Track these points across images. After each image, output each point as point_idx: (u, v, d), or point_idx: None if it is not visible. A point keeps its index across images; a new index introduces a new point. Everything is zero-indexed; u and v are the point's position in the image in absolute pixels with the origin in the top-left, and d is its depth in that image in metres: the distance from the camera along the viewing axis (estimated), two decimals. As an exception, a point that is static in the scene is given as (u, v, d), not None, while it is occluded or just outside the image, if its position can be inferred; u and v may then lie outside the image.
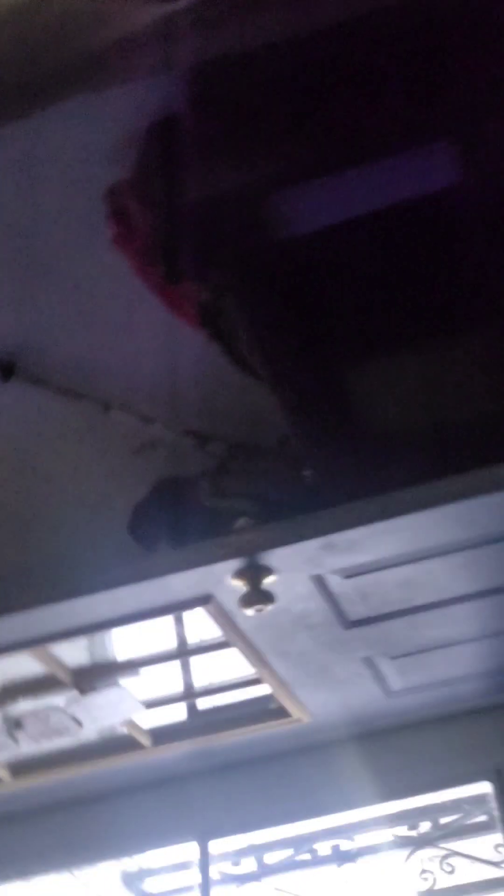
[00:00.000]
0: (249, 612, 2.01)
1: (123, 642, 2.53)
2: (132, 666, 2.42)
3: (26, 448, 2.37)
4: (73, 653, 2.38)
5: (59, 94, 1.86)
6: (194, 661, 2.51)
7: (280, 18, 1.73)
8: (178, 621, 2.42)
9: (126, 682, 2.43)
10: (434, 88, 1.76)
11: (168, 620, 2.39)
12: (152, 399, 2.31)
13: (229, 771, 2.62)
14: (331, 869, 3.05)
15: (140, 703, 2.43)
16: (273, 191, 1.88)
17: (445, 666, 2.38)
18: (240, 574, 1.98)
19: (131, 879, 3.04)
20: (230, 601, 2.03)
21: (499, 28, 1.73)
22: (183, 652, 2.44)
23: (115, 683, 2.41)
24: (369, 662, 2.32)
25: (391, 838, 3.39)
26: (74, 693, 2.39)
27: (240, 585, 1.99)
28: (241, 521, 2.14)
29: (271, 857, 3.15)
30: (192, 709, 2.59)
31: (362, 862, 3.31)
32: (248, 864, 2.98)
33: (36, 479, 2.39)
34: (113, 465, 2.38)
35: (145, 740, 2.56)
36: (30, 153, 1.87)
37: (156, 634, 2.44)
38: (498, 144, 1.79)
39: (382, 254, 1.91)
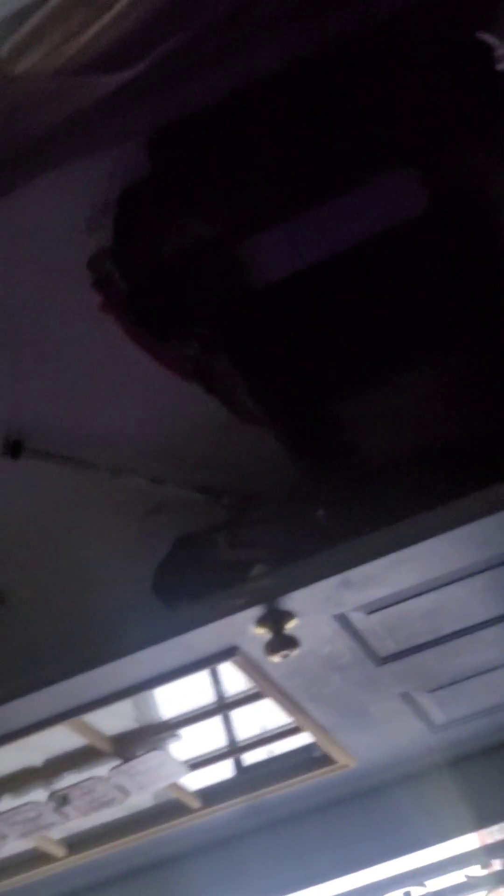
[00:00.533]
0: (276, 659, 1.99)
1: (162, 705, 2.52)
2: (172, 728, 2.40)
3: (42, 522, 2.39)
4: (112, 721, 2.37)
5: (28, 171, 1.91)
6: (236, 715, 2.49)
7: (233, 70, 1.77)
8: (214, 676, 2.40)
9: (168, 744, 2.41)
10: (394, 116, 1.78)
11: (204, 677, 2.37)
12: (160, 459, 2.33)
13: (282, 826, 2.57)
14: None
15: (184, 764, 2.40)
16: (246, 239, 1.92)
17: (486, 693, 2.33)
18: (261, 622, 1.97)
19: None
20: (256, 651, 2.02)
21: (455, 50, 1.75)
22: (221, 707, 2.41)
23: (157, 747, 2.39)
24: (407, 698, 2.28)
25: (464, 879, 3.29)
26: (117, 762, 2.37)
27: (263, 633, 1.98)
28: (257, 569, 2.14)
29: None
30: (238, 765, 2.56)
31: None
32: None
33: (54, 552, 2.40)
34: (130, 529, 2.40)
35: (194, 803, 2.53)
36: (5, 234, 1.92)
37: (194, 693, 2.42)
38: (459, 168, 1.80)
39: (363, 284, 1.93)
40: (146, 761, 2.38)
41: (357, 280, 1.85)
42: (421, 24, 1.72)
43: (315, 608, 1.96)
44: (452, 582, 1.98)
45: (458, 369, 1.88)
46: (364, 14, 1.70)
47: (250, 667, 2.07)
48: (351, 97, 1.72)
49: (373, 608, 2.00)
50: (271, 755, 2.52)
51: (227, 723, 2.49)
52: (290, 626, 1.97)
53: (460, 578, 1.97)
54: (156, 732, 2.41)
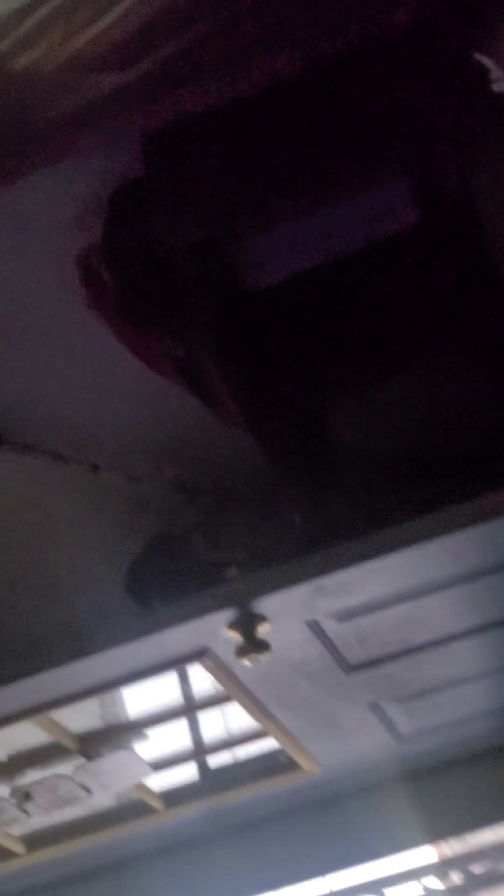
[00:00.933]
0: (246, 662, 1.99)
1: (129, 704, 2.51)
2: (138, 728, 2.39)
3: (17, 514, 2.38)
4: (79, 719, 2.36)
5: (22, 167, 1.90)
6: (203, 717, 2.49)
7: (232, 77, 1.78)
8: (183, 678, 2.40)
9: (133, 744, 2.41)
10: (385, 127, 1.79)
11: (173, 678, 2.37)
12: (140, 457, 2.33)
13: (245, 830, 2.57)
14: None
15: (148, 765, 2.40)
16: (236, 243, 1.92)
17: (454, 706, 2.34)
18: (234, 624, 1.96)
19: None
20: (227, 653, 2.01)
21: (447, 61, 1.76)
22: (189, 709, 2.41)
23: (123, 747, 2.38)
24: (375, 707, 2.29)
25: (421, 891, 3.30)
26: (81, 760, 2.36)
27: (234, 636, 1.97)
28: (231, 571, 2.14)
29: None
30: (202, 767, 2.56)
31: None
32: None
33: (28, 545, 2.40)
34: (105, 525, 2.39)
35: (157, 804, 2.52)
36: (-2, 227, 1.91)
37: (161, 693, 2.42)
38: (450, 179, 1.82)
39: (350, 292, 1.94)
40: (111, 760, 2.37)
41: (344, 287, 1.86)
42: (418, 41, 1.73)
43: (288, 613, 1.96)
44: (425, 593, 1.99)
45: (440, 382, 1.89)
46: (364, 28, 1.71)
47: (220, 669, 2.07)
48: (349, 109, 1.73)
49: (345, 616, 2.00)
50: (236, 759, 2.52)
51: (194, 725, 2.49)
52: (263, 631, 1.97)
53: (433, 590, 1.98)
54: (122, 732, 2.40)
